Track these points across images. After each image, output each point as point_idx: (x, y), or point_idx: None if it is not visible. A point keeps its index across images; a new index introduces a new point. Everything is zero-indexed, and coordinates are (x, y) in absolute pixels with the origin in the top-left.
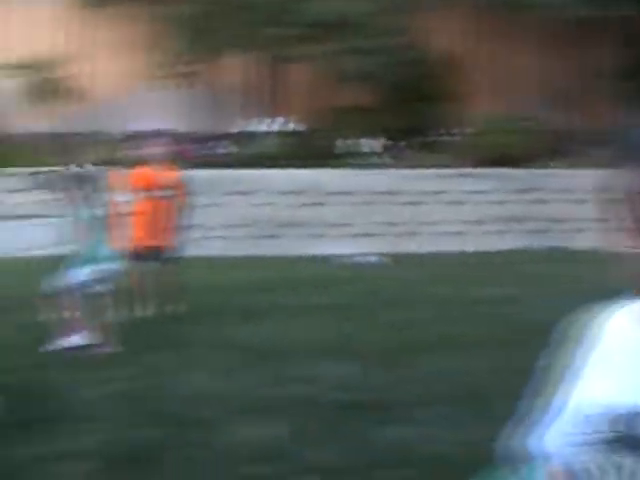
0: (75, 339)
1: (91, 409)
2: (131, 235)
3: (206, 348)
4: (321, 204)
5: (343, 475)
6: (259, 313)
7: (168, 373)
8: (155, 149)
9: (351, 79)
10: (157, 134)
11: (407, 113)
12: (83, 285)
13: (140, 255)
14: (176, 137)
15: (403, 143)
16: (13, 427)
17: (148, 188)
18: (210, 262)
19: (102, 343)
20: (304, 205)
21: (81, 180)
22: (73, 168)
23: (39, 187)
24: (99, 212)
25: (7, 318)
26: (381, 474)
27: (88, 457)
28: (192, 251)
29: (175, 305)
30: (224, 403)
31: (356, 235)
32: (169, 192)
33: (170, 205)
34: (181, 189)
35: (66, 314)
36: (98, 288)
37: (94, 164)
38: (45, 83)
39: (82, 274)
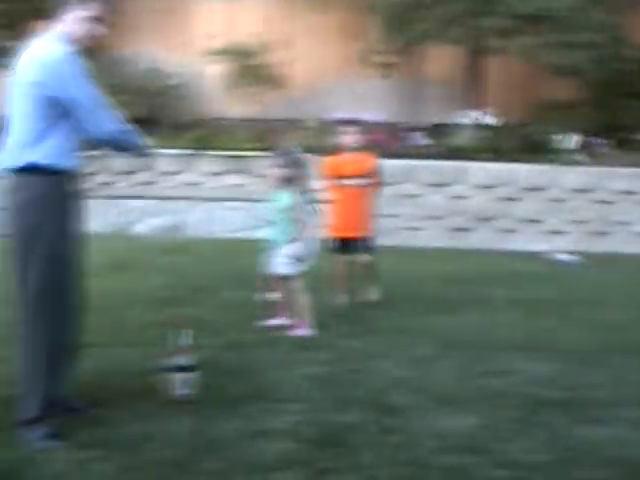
0: (276, 321)
1: (285, 390)
2: (329, 223)
3: (399, 337)
4: (516, 199)
5: (532, 471)
6: (452, 305)
7: (361, 360)
8: (353, 137)
9: (553, 74)
10: (355, 122)
11: (609, 110)
12: (283, 269)
13: (337, 243)
14: (374, 127)
15: (603, 141)
16: (208, 403)
17: (344, 176)
18: (405, 252)
19: (300, 327)
20: (499, 199)
21: (293, 164)
22: (288, 151)
23: (268, 166)
24: (302, 197)
25: (202, 297)
26: (571, 473)
27: (281, 437)
28: (387, 241)
29: (370, 294)
30: (414, 392)
31: (549, 232)
32: (364, 181)
33: (365, 194)
34: (377, 178)
35: (269, 296)
36: (296, 273)
37: (301, 150)
38: (247, 69)
39: (282, 258)
